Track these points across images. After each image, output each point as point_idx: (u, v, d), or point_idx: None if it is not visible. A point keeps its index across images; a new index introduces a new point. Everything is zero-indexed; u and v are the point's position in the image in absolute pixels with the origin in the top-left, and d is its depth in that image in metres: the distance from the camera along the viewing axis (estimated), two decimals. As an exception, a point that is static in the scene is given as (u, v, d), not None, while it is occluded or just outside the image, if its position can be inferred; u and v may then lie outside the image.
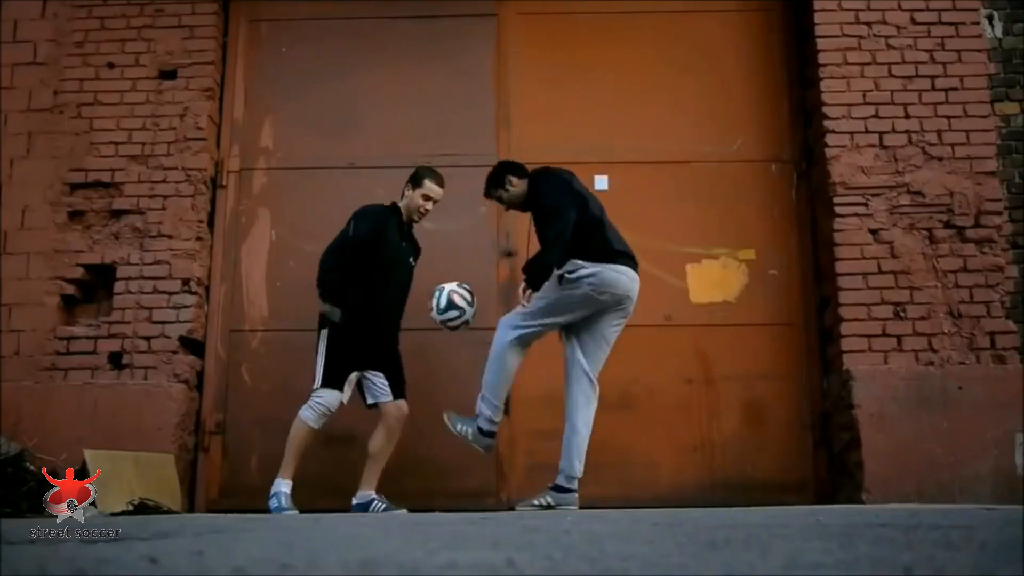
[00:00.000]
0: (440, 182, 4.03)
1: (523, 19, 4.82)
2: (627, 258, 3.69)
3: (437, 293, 3.76)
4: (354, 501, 3.87)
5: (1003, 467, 3.90)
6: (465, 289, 3.77)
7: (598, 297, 3.61)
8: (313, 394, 3.83)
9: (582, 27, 4.81)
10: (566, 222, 3.55)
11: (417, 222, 4.08)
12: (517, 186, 3.88)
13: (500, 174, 3.89)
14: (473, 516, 3.04)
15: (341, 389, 3.83)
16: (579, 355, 3.68)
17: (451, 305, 3.72)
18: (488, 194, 3.96)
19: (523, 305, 3.62)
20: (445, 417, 3.73)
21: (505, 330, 3.69)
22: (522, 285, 3.63)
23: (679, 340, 4.41)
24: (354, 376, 3.85)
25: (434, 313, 3.75)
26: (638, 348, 4.32)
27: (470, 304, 3.75)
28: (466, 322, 3.77)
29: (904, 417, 3.98)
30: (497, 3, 4.84)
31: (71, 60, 4.58)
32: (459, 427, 3.70)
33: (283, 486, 3.80)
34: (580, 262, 3.60)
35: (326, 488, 4.27)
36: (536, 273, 3.58)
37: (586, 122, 4.66)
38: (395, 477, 4.27)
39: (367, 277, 3.88)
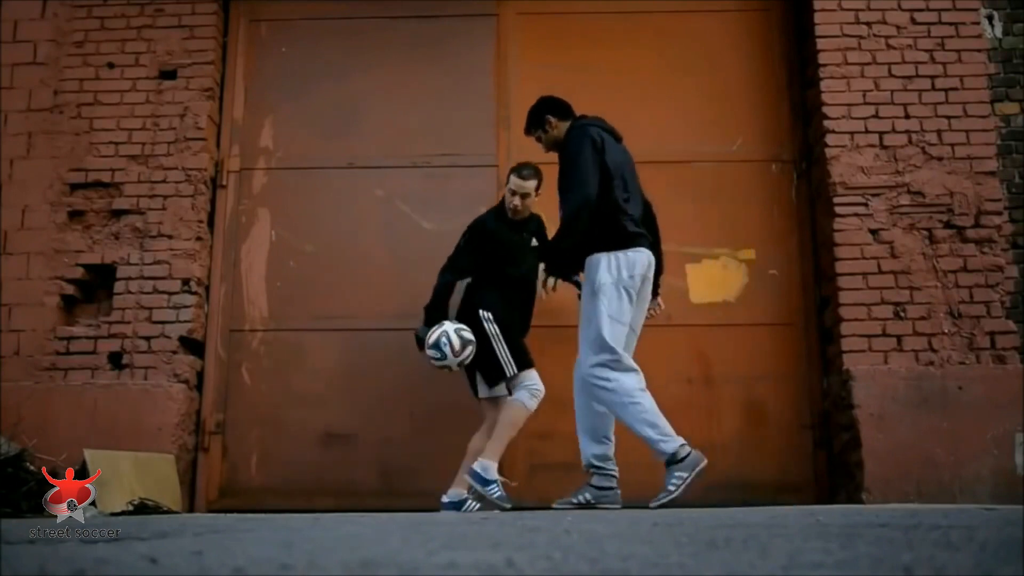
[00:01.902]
0: (522, 174, 3.92)
1: (523, 19, 4.82)
2: (643, 238, 3.60)
3: (436, 328, 3.71)
4: (444, 499, 3.79)
5: (1003, 467, 3.90)
6: (459, 337, 3.68)
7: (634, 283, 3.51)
8: (517, 380, 3.75)
9: (582, 27, 4.81)
10: (582, 206, 3.43)
11: (516, 218, 3.99)
12: (556, 128, 3.75)
13: (540, 113, 3.78)
14: (473, 516, 3.04)
15: (533, 365, 3.81)
16: None
17: (436, 346, 3.67)
18: (528, 132, 3.87)
19: (546, 294, 3.52)
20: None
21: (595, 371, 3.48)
22: (542, 276, 3.54)
23: (679, 340, 4.41)
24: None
25: (426, 346, 3.71)
26: (638, 348, 4.31)
27: (455, 354, 3.65)
28: (447, 368, 3.70)
29: (904, 417, 3.98)
30: (497, 3, 4.84)
31: (71, 60, 4.58)
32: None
33: (494, 471, 3.66)
34: (597, 255, 3.52)
35: (326, 488, 4.28)
36: (554, 260, 3.51)
37: (586, 122, 4.66)
38: (396, 477, 4.28)
39: (497, 278, 3.89)
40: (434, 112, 4.74)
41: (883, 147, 4.32)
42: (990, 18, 4.48)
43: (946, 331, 4.12)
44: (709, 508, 3.44)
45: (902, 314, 4.15)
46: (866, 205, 4.26)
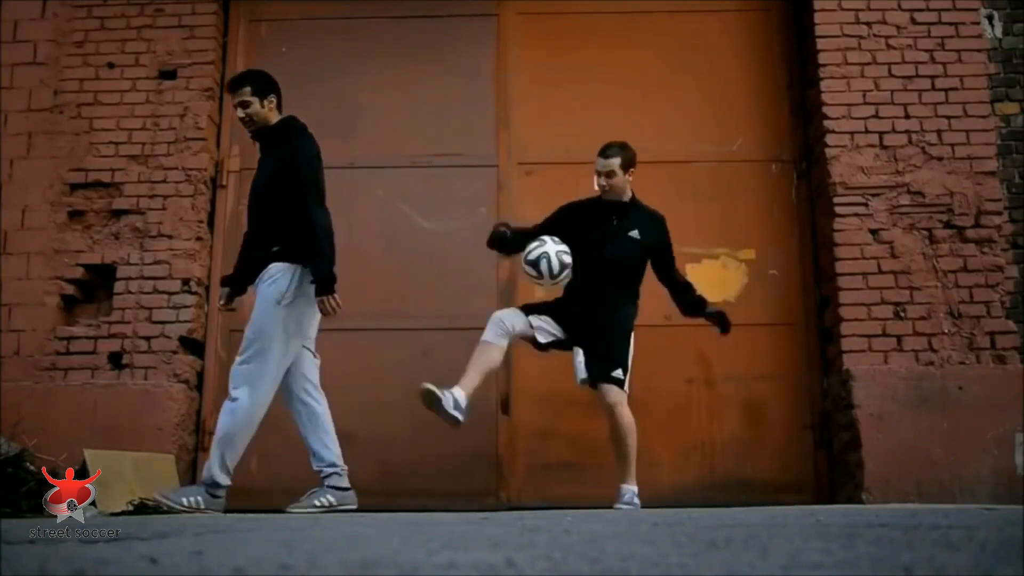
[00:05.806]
0: (605, 153, 3.79)
1: (523, 19, 4.82)
2: None
3: (538, 245, 3.62)
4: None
5: (1003, 467, 3.90)
6: (559, 260, 3.59)
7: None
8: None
9: (582, 27, 4.81)
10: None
11: (607, 199, 3.85)
12: (271, 111, 3.63)
13: (268, 82, 3.65)
14: (473, 516, 3.04)
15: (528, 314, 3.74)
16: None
17: (535, 264, 3.60)
18: (237, 88, 3.60)
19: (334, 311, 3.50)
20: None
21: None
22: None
23: (679, 340, 4.41)
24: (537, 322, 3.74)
25: (524, 261, 3.67)
26: (638, 348, 4.32)
27: (552, 276, 3.59)
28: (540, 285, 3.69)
29: (904, 417, 3.98)
30: (497, 3, 4.84)
31: (71, 60, 4.58)
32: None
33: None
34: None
35: (326, 488, 4.27)
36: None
37: (586, 122, 4.66)
38: (395, 477, 4.28)
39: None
40: (434, 112, 4.74)
41: (883, 147, 4.32)
42: (990, 18, 4.48)
43: (946, 331, 4.12)
44: (709, 508, 3.44)
45: (902, 314, 4.15)
46: (866, 205, 4.26)
